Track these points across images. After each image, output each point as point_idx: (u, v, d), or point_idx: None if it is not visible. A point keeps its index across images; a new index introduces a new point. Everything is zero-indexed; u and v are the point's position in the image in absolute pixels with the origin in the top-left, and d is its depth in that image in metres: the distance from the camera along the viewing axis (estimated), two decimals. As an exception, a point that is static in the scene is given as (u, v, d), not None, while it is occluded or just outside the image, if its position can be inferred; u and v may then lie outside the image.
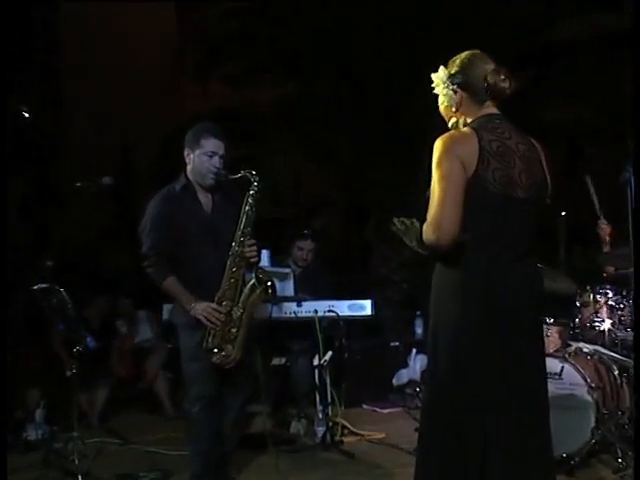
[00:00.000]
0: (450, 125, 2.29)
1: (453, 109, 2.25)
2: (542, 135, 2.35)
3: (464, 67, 2.22)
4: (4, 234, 2.93)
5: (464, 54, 2.25)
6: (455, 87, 2.23)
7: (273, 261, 4.57)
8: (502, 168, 2.14)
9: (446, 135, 2.19)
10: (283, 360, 4.75)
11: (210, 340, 3.11)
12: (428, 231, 2.11)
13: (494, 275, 2.12)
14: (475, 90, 2.21)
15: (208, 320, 3.09)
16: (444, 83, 2.25)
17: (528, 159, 2.21)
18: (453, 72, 2.23)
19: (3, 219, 2.81)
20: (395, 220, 2.29)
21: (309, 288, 4.71)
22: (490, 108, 2.23)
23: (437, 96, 2.30)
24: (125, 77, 8.85)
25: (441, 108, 2.30)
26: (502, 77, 2.19)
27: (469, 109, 2.24)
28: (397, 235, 2.28)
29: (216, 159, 3.20)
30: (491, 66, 2.20)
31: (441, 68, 2.27)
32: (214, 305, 3.11)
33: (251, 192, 3.16)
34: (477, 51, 2.25)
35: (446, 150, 2.11)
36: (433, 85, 2.29)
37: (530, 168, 2.20)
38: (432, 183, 2.11)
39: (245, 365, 3.22)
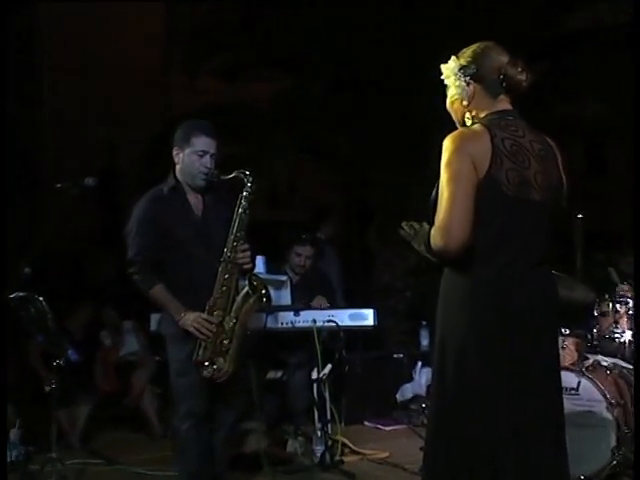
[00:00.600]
0: (465, 121, 2.26)
1: (465, 102, 2.23)
2: (556, 132, 2.34)
3: (477, 58, 2.21)
4: (4, 235, 2.95)
5: (476, 45, 2.24)
6: (467, 79, 2.21)
7: (269, 268, 4.57)
8: (516, 168, 2.13)
9: (456, 132, 2.17)
10: (279, 374, 4.75)
11: (201, 353, 3.11)
12: (436, 236, 2.10)
13: (506, 283, 2.11)
14: (489, 83, 2.19)
15: (198, 331, 3.09)
16: (455, 75, 2.23)
17: (543, 159, 2.19)
18: (465, 63, 2.22)
19: (3, 221, 2.85)
20: (404, 224, 2.28)
21: (307, 296, 4.71)
22: (504, 103, 2.22)
23: (444, 91, 2.28)
24: (111, 74, 8.86)
25: (449, 102, 2.28)
26: (519, 69, 2.18)
27: (482, 103, 2.22)
28: (403, 240, 2.27)
29: (207, 158, 3.20)
30: (506, 58, 2.19)
31: (452, 58, 2.25)
32: (205, 315, 3.10)
33: (245, 194, 3.15)
34: (490, 42, 2.24)
35: (456, 149, 2.09)
36: (443, 77, 2.27)
37: (546, 169, 2.19)
38: (440, 184, 2.10)
39: (238, 379, 3.21)
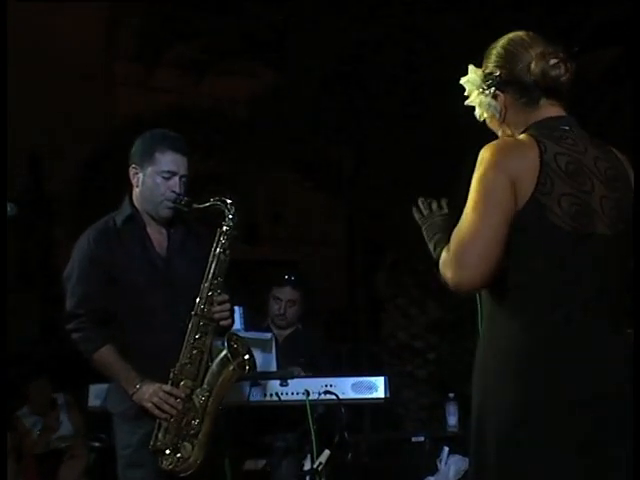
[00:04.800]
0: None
1: (497, 120, 2.28)
2: (629, 144, 2.38)
3: (502, 59, 2.25)
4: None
5: (501, 41, 2.28)
6: (494, 90, 2.26)
7: (248, 322, 4.58)
8: (574, 193, 2.14)
9: (496, 143, 2.21)
10: (261, 463, 4.73)
11: (161, 437, 3.10)
12: (445, 267, 2.15)
13: (563, 346, 2.12)
14: (522, 87, 2.23)
15: (159, 408, 3.09)
16: (479, 88, 2.28)
17: (612, 181, 2.21)
18: (488, 69, 2.27)
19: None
20: (420, 201, 2.38)
21: (295, 360, 4.71)
22: (552, 108, 2.25)
23: None
24: (33, 65, 8.89)
25: (487, 122, 2.32)
26: (552, 62, 2.20)
27: (519, 115, 2.26)
28: (422, 285, 2.32)
29: (175, 181, 3.22)
30: (537, 49, 2.23)
31: (471, 68, 2.30)
32: (168, 387, 3.11)
33: (225, 228, 3.17)
34: (519, 33, 2.28)
35: (493, 164, 2.13)
36: (466, 94, 2.31)
37: (614, 192, 2.20)
38: (467, 204, 2.14)
39: (209, 472, 3.20)
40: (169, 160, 3.22)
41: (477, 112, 2.31)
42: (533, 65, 2.21)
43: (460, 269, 2.12)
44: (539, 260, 2.13)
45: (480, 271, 2.10)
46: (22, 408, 5.63)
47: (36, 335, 6.77)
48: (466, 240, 2.11)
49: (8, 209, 3.82)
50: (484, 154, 2.15)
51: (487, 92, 2.27)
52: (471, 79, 2.29)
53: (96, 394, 4.59)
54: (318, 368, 4.81)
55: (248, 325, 4.60)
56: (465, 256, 2.11)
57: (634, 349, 2.18)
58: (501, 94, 2.26)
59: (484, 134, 2.34)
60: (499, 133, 2.32)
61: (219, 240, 3.18)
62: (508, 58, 2.25)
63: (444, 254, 2.18)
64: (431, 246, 2.29)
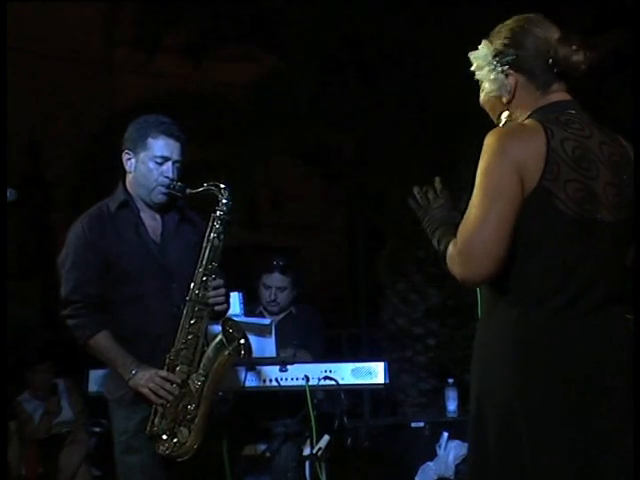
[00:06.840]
0: (504, 122, 2.28)
1: (504, 99, 2.25)
2: (627, 132, 2.36)
3: (517, 38, 2.23)
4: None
5: (514, 20, 2.26)
6: (507, 68, 2.23)
7: (246, 308, 4.58)
8: (579, 179, 2.14)
9: (501, 129, 2.19)
10: (261, 448, 4.74)
11: (157, 422, 3.11)
12: (453, 261, 2.14)
13: (563, 330, 2.13)
14: (536, 70, 2.22)
15: (155, 394, 3.10)
16: (490, 64, 2.25)
17: (616, 166, 2.21)
18: (501, 47, 2.24)
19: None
20: (416, 190, 2.34)
21: (289, 343, 4.71)
22: (559, 93, 2.23)
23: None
24: (32, 52, 8.88)
25: (484, 99, 2.30)
26: (574, 47, 2.19)
27: (528, 98, 2.24)
28: (422, 271, 2.31)
29: (169, 166, 3.22)
30: (555, 34, 2.21)
31: (484, 43, 2.27)
32: (164, 372, 3.12)
33: (218, 214, 3.18)
34: (531, 15, 2.26)
35: (498, 152, 2.11)
36: (473, 68, 2.29)
37: (619, 179, 2.20)
38: (473, 195, 2.13)
39: (206, 456, 3.21)
40: (162, 145, 3.23)
41: (485, 87, 2.27)
42: (557, 49, 2.19)
43: (468, 265, 2.12)
44: (543, 247, 2.13)
45: (488, 266, 2.10)
46: (23, 393, 5.64)
47: (36, 321, 6.76)
48: (473, 236, 2.10)
49: (8, 194, 3.80)
50: (489, 140, 2.13)
51: (499, 69, 2.24)
52: (483, 54, 2.27)
53: (95, 380, 4.60)
54: (312, 347, 4.80)
55: (246, 310, 4.60)
56: (473, 252, 2.10)
57: (634, 337, 2.18)
58: (514, 74, 2.23)
59: (485, 118, 2.31)
60: (499, 115, 2.29)
61: (213, 225, 3.19)
62: (526, 38, 2.22)
63: (451, 248, 2.17)
64: (434, 241, 2.27)
